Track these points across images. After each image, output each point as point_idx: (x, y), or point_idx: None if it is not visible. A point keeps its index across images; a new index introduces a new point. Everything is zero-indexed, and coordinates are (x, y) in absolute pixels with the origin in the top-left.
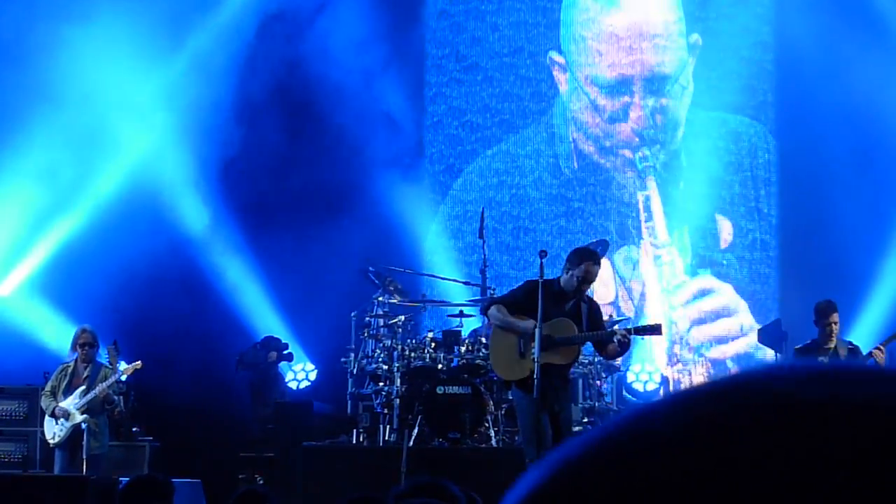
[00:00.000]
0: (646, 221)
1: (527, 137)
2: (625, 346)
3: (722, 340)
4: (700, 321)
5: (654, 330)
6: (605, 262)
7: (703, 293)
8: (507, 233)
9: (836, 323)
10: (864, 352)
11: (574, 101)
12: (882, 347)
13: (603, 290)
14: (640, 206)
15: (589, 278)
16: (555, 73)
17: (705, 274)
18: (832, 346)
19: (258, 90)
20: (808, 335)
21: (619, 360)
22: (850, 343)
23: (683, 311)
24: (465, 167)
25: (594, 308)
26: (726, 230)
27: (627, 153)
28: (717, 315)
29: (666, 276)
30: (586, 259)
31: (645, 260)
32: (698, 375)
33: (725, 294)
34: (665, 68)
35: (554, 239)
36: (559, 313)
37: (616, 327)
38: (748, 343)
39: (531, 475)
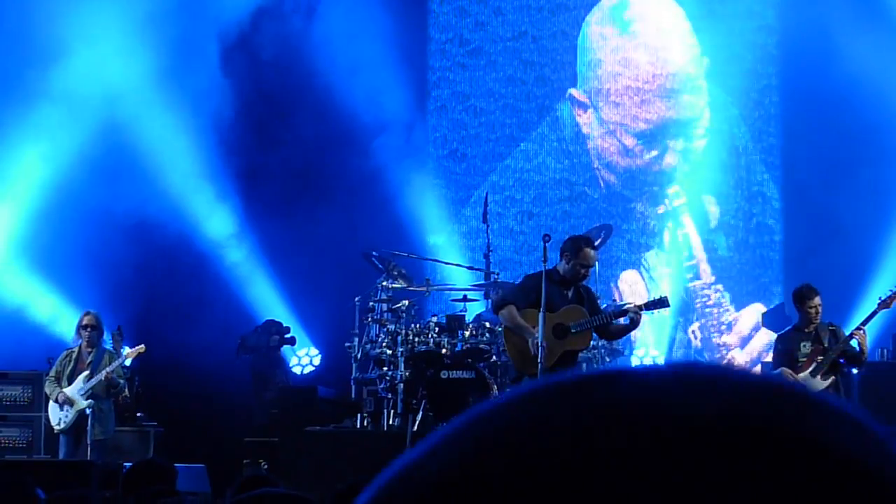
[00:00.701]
0: (687, 259)
1: (531, 122)
2: (635, 323)
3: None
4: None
5: (662, 303)
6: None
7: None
8: (510, 217)
9: (818, 306)
10: (847, 332)
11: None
12: (863, 327)
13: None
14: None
15: (589, 263)
16: (575, 111)
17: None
18: (813, 328)
19: (259, 71)
20: None
21: (621, 343)
22: (832, 324)
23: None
24: (469, 151)
25: (591, 292)
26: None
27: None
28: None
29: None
30: (583, 245)
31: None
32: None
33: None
34: (688, 112)
35: (558, 223)
36: (564, 301)
37: (627, 306)
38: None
39: (378, 480)
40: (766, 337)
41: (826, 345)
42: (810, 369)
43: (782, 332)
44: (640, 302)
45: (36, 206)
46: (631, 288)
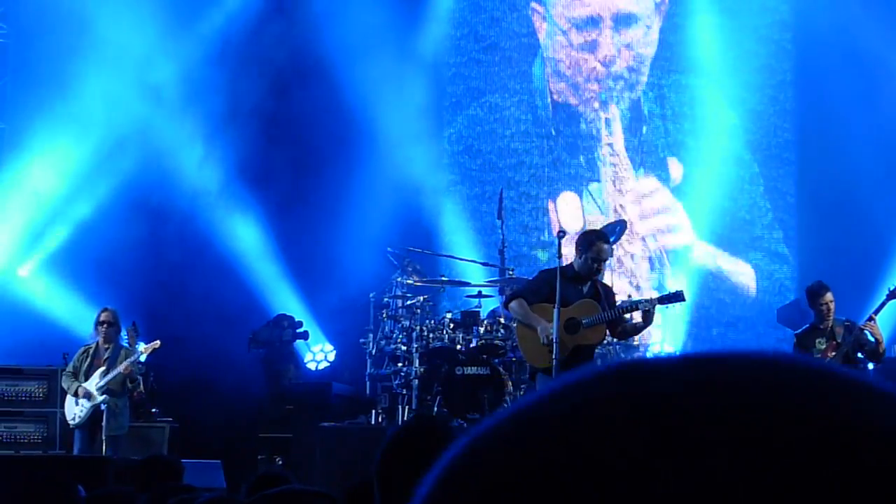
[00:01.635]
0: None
1: (545, 117)
2: (649, 320)
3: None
4: (644, 216)
5: (678, 297)
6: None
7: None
8: (525, 213)
9: (830, 302)
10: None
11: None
12: (874, 317)
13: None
14: (603, 128)
15: (602, 257)
16: (536, 25)
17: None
18: (828, 325)
19: (276, 68)
20: None
21: (636, 339)
22: (847, 320)
23: (633, 208)
24: (483, 147)
25: (608, 289)
26: (676, 170)
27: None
28: (658, 211)
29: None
30: (596, 240)
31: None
32: None
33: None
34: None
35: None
36: (578, 297)
37: (646, 300)
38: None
39: (434, 470)
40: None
41: (840, 340)
42: None
43: (799, 330)
44: (654, 297)
45: (53, 203)
46: (568, 206)
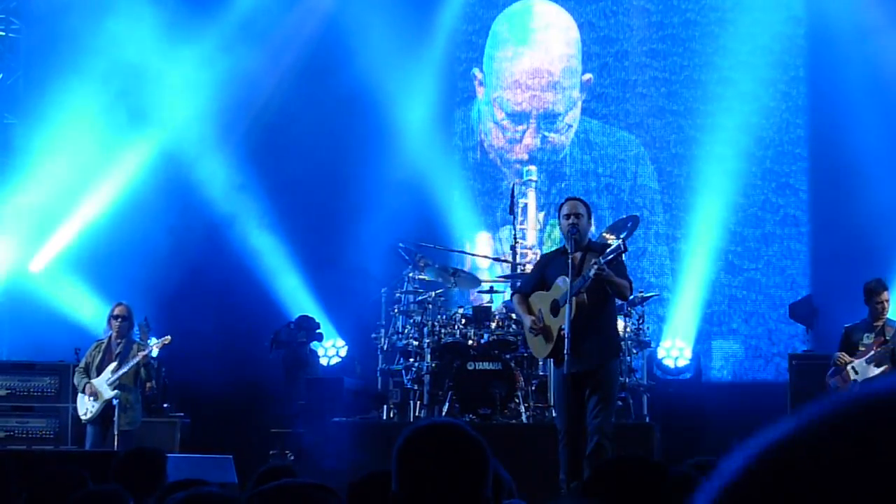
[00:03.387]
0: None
1: (556, 114)
2: (604, 280)
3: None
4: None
5: (616, 249)
6: None
7: None
8: (537, 209)
9: (886, 301)
10: None
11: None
12: None
13: None
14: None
15: (564, 212)
16: (476, 85)
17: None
18: (881, 323)
19: (288, 68)
20: (839, 311)
21: (645, 335)
22: None
23: None
24: (494, 143)
25: (590, 255)
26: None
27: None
28: None
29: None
30: (565, 201)
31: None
32: None
33: None
34: (558, 107)
35: None
36: (562, 273)
37: (593, 262)
38: None
39: (741, 451)
40: None
41: (889, 338)
42: (867, 357)
43: (851, 324)
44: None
45: (65, 198)
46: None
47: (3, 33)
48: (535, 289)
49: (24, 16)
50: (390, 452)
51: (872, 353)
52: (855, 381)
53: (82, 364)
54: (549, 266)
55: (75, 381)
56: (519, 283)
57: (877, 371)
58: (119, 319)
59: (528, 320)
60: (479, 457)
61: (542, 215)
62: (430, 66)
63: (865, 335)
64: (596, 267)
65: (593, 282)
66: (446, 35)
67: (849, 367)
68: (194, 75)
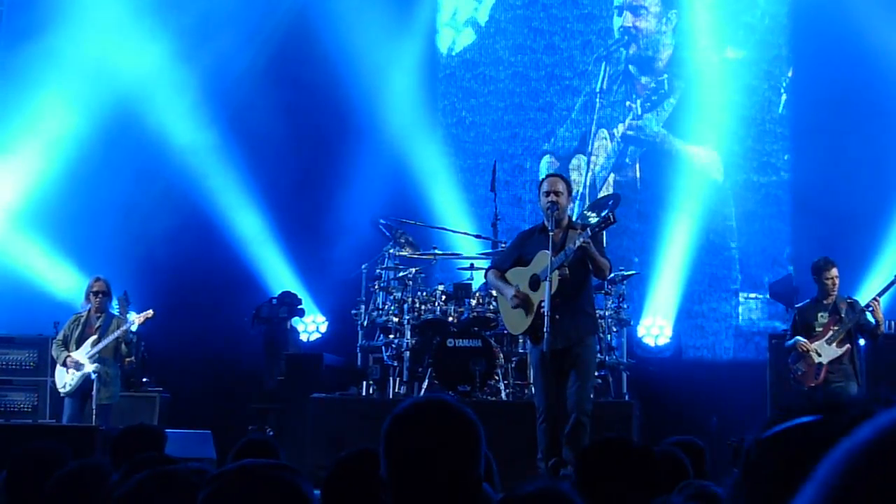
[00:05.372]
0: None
1: (539, 90)
2: (588, 254)
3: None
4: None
5: (606, 220)
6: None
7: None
8: (518, 186)
9: (835, 278)
10: (863, 304)
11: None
12: (878, 299)
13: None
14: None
15: (543, 189)
16: None
17: None
18: (831, 301)
19: (268, 42)
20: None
21: (623, 313)
22: (850, 298)
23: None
24: (477, 119)
25: (571, 232)
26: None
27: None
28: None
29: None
30: (545, 178)
31: None
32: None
33: None
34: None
35: None
36: (542, 249)
37: (579, 234)
38: None
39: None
40: None
41: (843, 315)
42: (826, 337)
43: (801, 304)
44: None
45: (44, 170)
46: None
47: None
48: (512, 265)
49: None
50: (369, 428)
51: (831, 332)
52: (820, 363)
53: (60, 337)
54: (526, 243)
55: (53, 354)
56: (494, 260)
57: (840, 351)
58: (99, 295)
59: (509, 290)
60: (471, 435)
61: None
62: (413, 40)
63: (819, 314)
64: (581, 239)
65: (574, 259)
66: (430, 7)
67: (811, 351)
68: (175, 47)
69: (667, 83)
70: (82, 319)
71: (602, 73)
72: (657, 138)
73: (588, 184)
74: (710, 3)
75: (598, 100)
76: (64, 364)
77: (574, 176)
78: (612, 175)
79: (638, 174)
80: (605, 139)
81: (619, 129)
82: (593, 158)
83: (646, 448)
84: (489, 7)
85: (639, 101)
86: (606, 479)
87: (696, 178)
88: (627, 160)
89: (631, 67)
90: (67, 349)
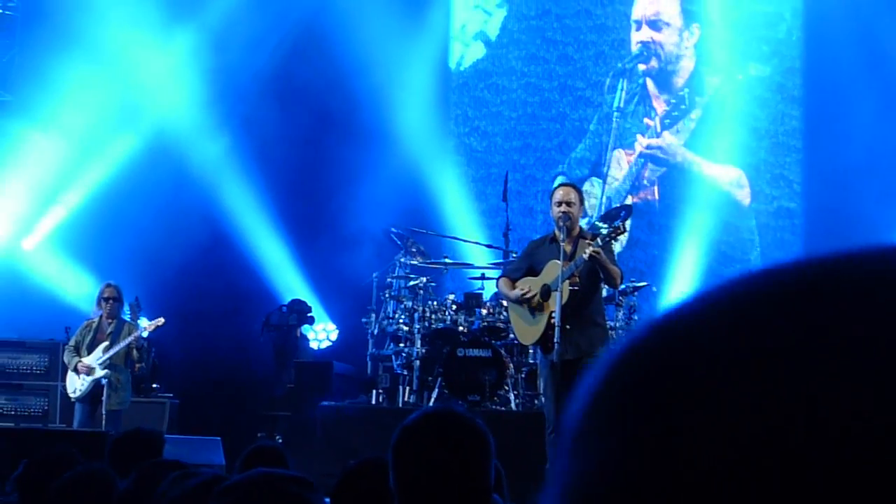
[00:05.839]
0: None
1: (552, 101)
2: (599, 263)
3: None
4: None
5: (616, 231)
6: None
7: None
8: (530, 196)
9: None
10: None
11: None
12: None
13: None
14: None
15: (556, 199)
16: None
17: None
18: None
19: (280, 52)
20: None
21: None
22: None
23: None
24: (489, 129)
25: (582, 243)
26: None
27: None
28: None
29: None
30: (556, 187)
31: None
32: None
33: None
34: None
35: None
36: (552, 258)
37: (588, 243)
38: None
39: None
40: None
41: None
42: None
43: None
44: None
45: (59, 176)
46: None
47: None
48: (522, 275)
49: None
50: (378, 437)
51: None
52: None
53: (72, 343)
54: (537, 253)
55: (65, 360)
56: (505, 269)
57: None
58: (110, 301)
59: (517, 292)
60: (481, 447)
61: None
62: (426, 50)
63: None
64: (592, 248)
65: (585, 268)
66: (443, 17)
67: None
68: (188, 56)
69: (687, 98)
70: (94, 325)
71: (619, 90)
72: (677, 157)
73: (603, 209)
74: (733, 18)
75: (615, 119)
76: (75, 370)
77: (591, 201)
78: (629, 197)
79: (657, 195)
80: (622, 160)
81: (637, 149)
82: (609, 180)
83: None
84: (502, 17)
85: (657, 119)
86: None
87: (718, 201)
88: (646, 181)
89: (649, 83)
90: (79, 355)
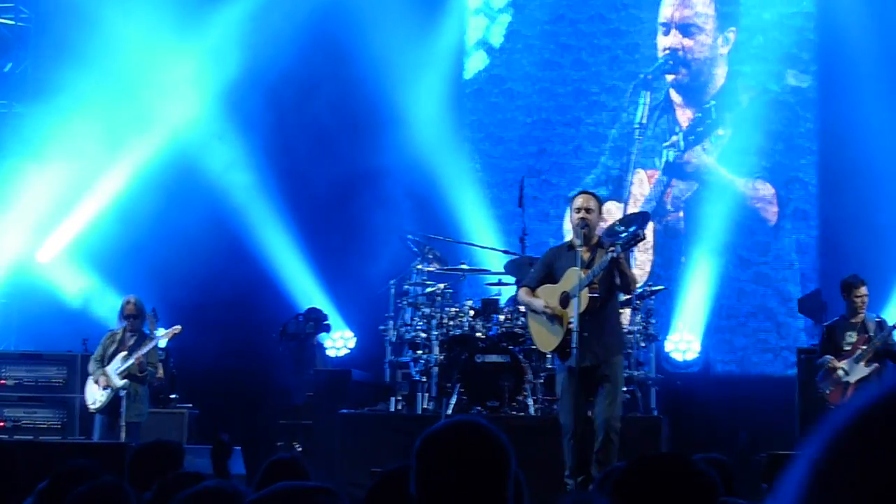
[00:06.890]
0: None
1: (567, 105)
2: (619, 268)
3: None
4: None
5: (636, 238)
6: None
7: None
8: (546, 201)
9: (864, 296)
10: (891, 323)
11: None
12: None
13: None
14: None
15: (575, 206)
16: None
17: None
18: (860, 319)
19: (296, 58)
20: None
21: (650, 327)
22: (878, 316)
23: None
24: (505, 135)
25: (600, 250)
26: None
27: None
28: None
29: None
30: (575, 196)
31: None
32: None
33: None
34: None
35: None
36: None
37: (610, 248)
38: None
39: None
40: None
41: (872, 335)
42: (854, 356)
43: (829, 321)
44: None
45: (74, 188)
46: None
47: (12, 22)
48: (541, 283)
49: (32, 5)
50: (398, 444)
51: (859, 351)
52: (847, 381)
53: (98, 353)
54: (556, 261)
55: (90, 370)
56: (524, 278)
57: (868, 370)
58: (131, 319)
59: (539, 303)
60: (501, 458)
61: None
62: (441, 55)
63: (847, 333)
64: (614, 252)
65: (603, 275)
66: (457, 23)
67: (838, 369)
68: (201, 65)
69: (713, 111)
70: (118, 337)
71: (641, 104)
72: (703, 174)
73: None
74: (772, 20)
75: (636, 136)
76: (98, 381)
77: (602, 191)
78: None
79: (681, 216)
80: (644, 181)
81: (660, 165)
82: (631, 201)
83: (686, 464)
84: (516, 23)
85: (681, 134)
86: (645, 497)
87: (750, 221)
88: (669, 206)
89: (674, 94)
90: (103, 365)
